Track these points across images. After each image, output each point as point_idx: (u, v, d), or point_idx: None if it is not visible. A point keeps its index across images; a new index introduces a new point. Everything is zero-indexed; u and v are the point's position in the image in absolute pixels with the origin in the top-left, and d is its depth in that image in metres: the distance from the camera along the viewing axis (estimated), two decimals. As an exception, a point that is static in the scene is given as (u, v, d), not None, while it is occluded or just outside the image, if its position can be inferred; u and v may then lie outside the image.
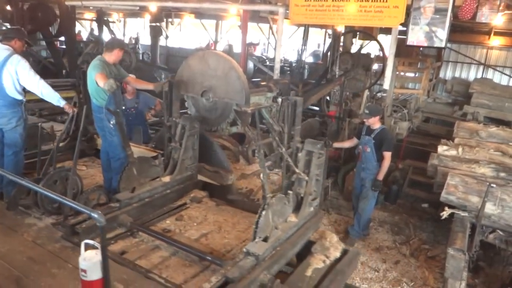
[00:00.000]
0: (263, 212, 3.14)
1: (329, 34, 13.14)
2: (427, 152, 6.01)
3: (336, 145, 5.99)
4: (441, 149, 5.68)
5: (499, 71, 12.49)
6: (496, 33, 11.25)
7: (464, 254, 3.93)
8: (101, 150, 4.61)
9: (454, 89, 11.43)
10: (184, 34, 20.15)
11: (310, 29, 15.38)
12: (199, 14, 15.21)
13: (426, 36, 6.47)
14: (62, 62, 10.48)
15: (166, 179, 4.39)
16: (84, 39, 15.78)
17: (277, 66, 6.79)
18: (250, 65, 12.09)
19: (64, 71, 10.24)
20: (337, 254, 3.64)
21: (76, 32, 13.46)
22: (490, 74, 12.67)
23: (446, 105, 10.79)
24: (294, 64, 13.90)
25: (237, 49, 10.72)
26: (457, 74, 13.31)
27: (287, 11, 6.79)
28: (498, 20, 7.74)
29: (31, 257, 3.16)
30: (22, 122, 4.30)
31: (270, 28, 12.26)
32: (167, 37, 17.39)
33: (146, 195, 4.09)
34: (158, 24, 13.04)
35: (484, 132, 6.21)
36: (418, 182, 6.88)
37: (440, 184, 5.10)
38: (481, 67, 13.01)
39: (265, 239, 3.17)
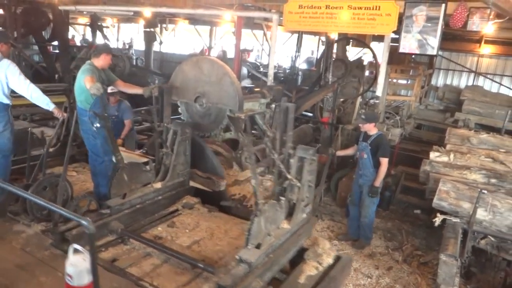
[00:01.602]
0: (256, 219, 3.11)
1: (322, 41, 13.24)
2: (419, 159, 6.06)
3: (340, 153, 5.96)
4: (433, 155, 5.73)
5: (489, 78, 12.64)
6: (487, 42, 11.42)
7: (456, 260, 3.95)
8: (89, 155, 4.61)
9: (445, 96, 11.56)
10: (178, 40, 20.16)
11: (304, 36, 15.49)
12: (194, 20, 15.24)
13: (418, 44, 6.54)
14: (54, 67, 10.42)
15: (158, 185, 4.37)
16: (78, 44, 15.75)
17: (271, 72, 6.80)
18: (244, 71, 12.11)
19: (56, 76, 10.18)
20: (330, 260, 3.63)
21: (70, 36, 13.44)
22: (481, 81, 12.83)
23: (437, 112, 10.89)
24: (288, 71, 13.96)
25: (231, 55, 10.75)
26: (448, 82, 13.45)
27: (281, 18, 6.82)
28: (488, 28, 7.82)
29: (19, 265, 3.11)
30: (9, 127, 4.28)
31: (264, 34, 12.32)
32: (161, 42, 17.39)
33: (137, 201, 4.06)
34: (152, 29, 13.04)
35: (475, 138, 6.27)
36: (410, 188, 6.92)
37: (432, 190, 5.14)
38: (472, 75, 13.15)
39: (258, 246, 3.14)
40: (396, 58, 9.87)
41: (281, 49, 16.11)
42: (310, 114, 9.81)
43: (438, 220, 4.61)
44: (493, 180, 5.14)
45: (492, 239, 4.51)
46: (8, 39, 4.43)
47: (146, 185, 4.36)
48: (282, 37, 15.05)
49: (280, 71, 13.70)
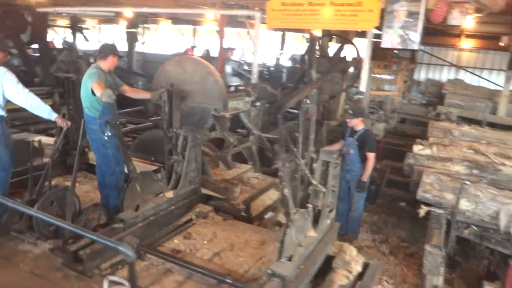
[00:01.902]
0: (288, 229, 2.90)
1: (306, 38, 13.31)
2: (403, 152, 6.14)
3: (326, 149, 6.00)
4: (416, 148, 5.82)
5: (470, 72, 12.88)
6: (467, 36, 11.63)
7: (440, 250, 4.02)
8: (97, 165, 4.31)
9: (428, 90, 11.75)
10: (161, 39, 20.03)
11: (288, 33, 15.58)
12: (176, 19, 15.15)
13: (400, 39, 6.62)
14: (34, 71, 10.23)
15: (170, 194, 4.11)
16: (59, 46, 15.48)
17: (255, 70, 6.81)
18: (228, 69, 12.11)
19: (37, 80, 10.00)
20: (359, 268, 3.45)
21: (50, 39, 13.21)
22: (461, 75, 13.06)
23: (420, 105, 11.06)
24: (272, 68, 13.99)
25: (215, 54, 10.72)
26: (430, 76, 13.68)
27: (264, 16, 6.84)
28: (468, 23, 7.98)
29: (30, 290, 2.82)
30: (4, 139, 3.99)
31: (248, 32, 12.33)
32: (143, 43, 17.25)
33: (150, 213, 3.78)
34: (134, 30, 12.93)
35: (457, 131, 6.39)
36: (395, 182, 7.01)
37: (416, 182, 5.22)
38: (453, 69, 13.40)
39: (290, 258, 2.94)
40: (380, 54, 9.98)
41: (266, 47, 16.14)
42: (296, 111, 9.86)
43: (422, 211, 4.68)
44: (475, 171, 5.25)
45: (475, 228, 4.60)
46: (5, 47, 4.28)
47: (158, 195, 4.12)
48: (266, 34, 15.07)
49: (264, 69, 13.73)
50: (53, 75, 9.44)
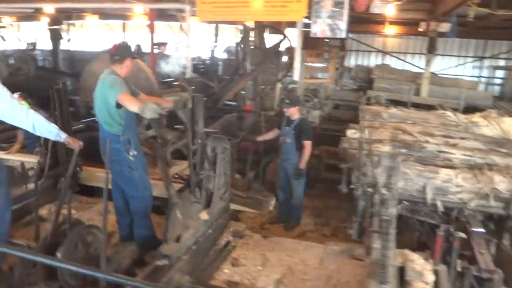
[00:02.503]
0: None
1: (240, 30, 13.32)
2: (339, 137, 6.40)
3: (260, 138, 6.12)
4: (349, 132, 6.09)
5: (395, 57, 13.72)
6: (390, 23, 12.30)
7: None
8: (113, 190, 3.73)
9: (358, 76, 12.29)
10: (88, 36, 19.00)
11: (223, 25, 15.47)
12: (104, 14, 14.42)
13: (329, 28, 6.87)
14: None
15: (204, 216, 3.64)
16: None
17: (189, 64, 6.73)
18: (163, 64, 11.80)
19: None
20: (432, 277, 3.25)
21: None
22: (388, 60, 13.85)
23: (352, 91, 11.56)
24: (208, 61, 13.87)
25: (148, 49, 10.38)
26: (359, 62, 14.35)
27: (195, 9, 6.74)
28: (389, 10, 8.46)
29: None
30: None
31: (180, 26, 12.07)
32: (69, 40, 16.25)
33: (191, 241, 3.33)
34: (58, 27, 12.13)
35: (385, 113, 6.78)
36: (333, 166, 7.28)
37: (351, 165, 5.47)
38: (380, 54, 14.17)
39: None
40: (311, 43, 10.26)
41: (200, 40, 15.93)
42: (235, 103, 9.89)
43: (344, 189, 4.94)
44: (403, 150, 5.60)
45: (406, 203, 4.93)
46: None
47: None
48: (199, 27, 14.88)
49: (200, 62, 13.57)
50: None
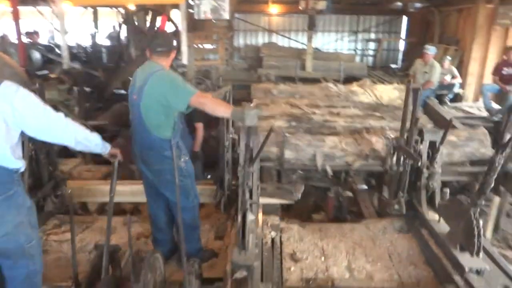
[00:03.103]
0: None
1: (122, 14, 12.57)
2: (233, 117, 6.52)
3: None
4: (243, 111, 6.24)
5: (280, 35, 14.29)
6: (273, 2, 12.76)
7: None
8: (154, 205, 3.29)
9: (247, 55, 12.59)
10: None
11: (102, 9, 14.38)
12: (-47, 1, 12.40)
13: (213, 10, 6.86)
14: None
15: (250, 215, 3.18)
16: None
17: (65, 54, 6.17)
18: (37, 55, 10.65)
19: None
20: None
21: None
22: (274, 38, 14.40)
23: (243, 70, 11.80)
24: (89, 49, 12.87)
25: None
26: (248, 41, 14.68)
27: (64, -8, 6.18)
28: (269, -11, 8.78)
29: None
30: (26, 210, 2.31)
31: (53, 11, 10.94)
32: None
33: (254, 244, 2.97)
34: None
35: (275, 90, 7.08)
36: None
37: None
38: (267, 33, 14.64)
39: None
40: (200, 25, 10.17)
41: (77, 26, 14.67)
42: (124, 92, 9.41)
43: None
44: (293, 123, 5.94)
45: (301, 172, 5.28)
46: None
47: None
48: (75, 12, 13.68)
49: (80, 50, 12.54)
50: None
